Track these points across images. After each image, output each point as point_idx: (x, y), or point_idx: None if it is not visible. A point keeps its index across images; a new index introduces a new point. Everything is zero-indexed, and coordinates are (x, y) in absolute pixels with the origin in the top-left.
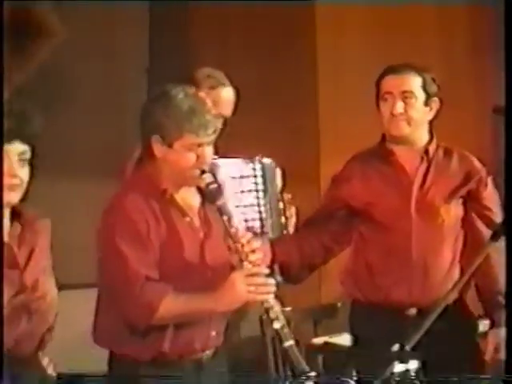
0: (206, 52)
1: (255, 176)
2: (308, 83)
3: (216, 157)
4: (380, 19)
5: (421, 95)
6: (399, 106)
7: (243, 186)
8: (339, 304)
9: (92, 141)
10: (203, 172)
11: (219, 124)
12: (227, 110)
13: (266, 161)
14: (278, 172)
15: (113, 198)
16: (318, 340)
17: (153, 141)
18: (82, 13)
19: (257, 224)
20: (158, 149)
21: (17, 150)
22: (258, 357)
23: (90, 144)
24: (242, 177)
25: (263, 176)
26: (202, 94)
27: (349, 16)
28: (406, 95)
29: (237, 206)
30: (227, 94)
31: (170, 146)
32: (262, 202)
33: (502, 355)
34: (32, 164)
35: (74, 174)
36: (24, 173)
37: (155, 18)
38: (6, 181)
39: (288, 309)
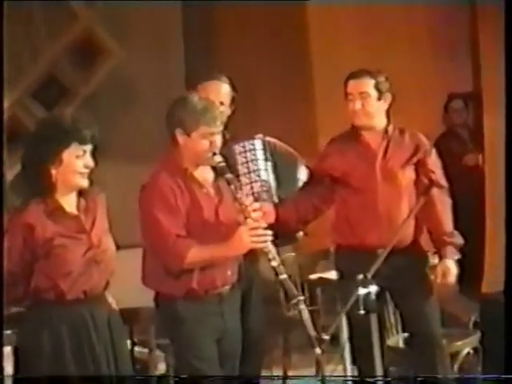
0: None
1: (255, 149)
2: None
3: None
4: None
5: (374, 93)
6: (358, 104)
7: (247, 158)
8: (331, 248)
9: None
10: (214, 154)
11: (225, 118)
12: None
13: (266, 138)
14: (283, 146)
15: (148, 177)
16: (314, 276)
17: (176, 133)
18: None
19: (258, 187)
20: (180, 138)
21: (88, 147)
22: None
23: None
24: (245, 151)
25: (264, 149)
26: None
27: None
28: (362, 95)
29: (244, 174)
30: (225, 89)
31: (189, 135)
32: (263, 167)
33: (450, 280)
34: (94, 155)
35: (123, 159)
36: (91, 163)
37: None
38: (81, 170)
39: (293, 254)
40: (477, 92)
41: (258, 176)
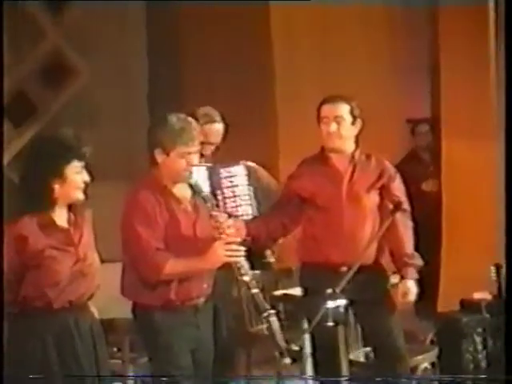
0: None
1: (239, 175)
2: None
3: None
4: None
5: (348, 118)
6: (333, 127)
7: (231, 183)
8: (294, 268)
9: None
10: (191, 173)
11: (202, 138)
12: (217, 139)
13: (249, 164)
14: (263, 172)
15: (130, 193)
16: (278, 292)
17: (155, 152)
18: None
19: (242, 210)
20: (159, 157)
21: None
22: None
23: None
24: (230, 176)
25: (248, 175)
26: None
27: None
28: (337, 119)
29: (229, 197)
30: (218, 127)
31: (168, 155)
32: (245, 192)
33: (410, 299)
34: None
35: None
36: (88, 178)
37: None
38: (81, 185)
39: (258, 272)
40: (437, 117)
41: (242, 200)
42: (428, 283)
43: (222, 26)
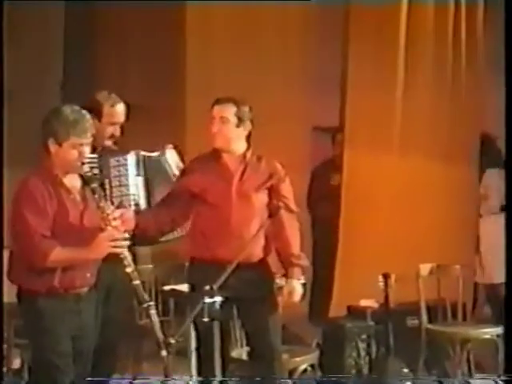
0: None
1: (127, 164)
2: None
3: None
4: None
5: (233, 120)
6: (215, 127)
7: (120, 172)
8: (186, 263)
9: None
10: (83, 164)
11: (94, 130)
12: (122, 118)
13: (140, 152)
14: (170, 162)
15: (20, 181)
16: (167, 287)
17: (49, 142)
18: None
19: (128, 199)
20: (52, 147)
21: None
22: None
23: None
24: (118, 165)
25: (137, 164)
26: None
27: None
28: (222, 120)
29: (115, 186)
30: (121, 108)
31: (60, 145)
32: (132, 182)
33: (295, 299)
34: None
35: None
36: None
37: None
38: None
39: (150, 266)
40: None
41: (128, 190)
42: (323, 288)
43: (138, 22)
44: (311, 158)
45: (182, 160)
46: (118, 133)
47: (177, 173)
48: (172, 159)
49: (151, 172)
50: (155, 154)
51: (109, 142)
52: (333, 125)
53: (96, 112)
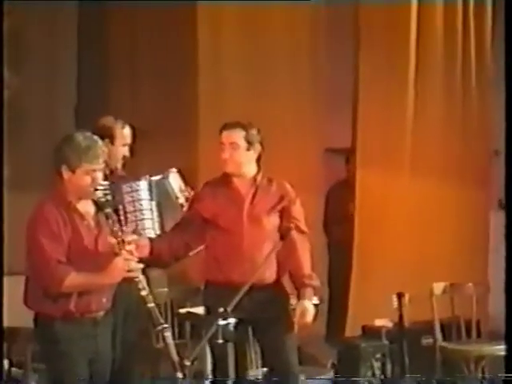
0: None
1: (140, 190)
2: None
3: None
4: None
5: (243, 144)
6: (226, 154)
7: (133, 197)
8: (202, 287)
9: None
10: (96, 190)
11: (106, 156)
12: (130, 139)
13: (153, 177)
14: (173, 185)
15: (35, 207)
16: (183, 310)
17: (62, 168)
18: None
19: (143, 223)
20: (65, 174)
21: None
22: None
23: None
24: (131, 191)
25: (150, 189)
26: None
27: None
28: (232, 145)
29: (130, 212)
30: (129, 130)
31: (73, 172)
32: (147, 207)
33: (308, 320)
34: None
35: (12, 187)
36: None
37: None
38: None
39: (166, 289)
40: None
41: (142, 214)
42: (340, 309)
43: (149, 44)
44: (324, 179)
45: (186, 183)
46: (127, 153)
47: (179, 195)
48: (175, 182)
49: (160, 196)
50: (159, 177)
51: (119, 165)
52: (345, 144)
53: (109, 136)
